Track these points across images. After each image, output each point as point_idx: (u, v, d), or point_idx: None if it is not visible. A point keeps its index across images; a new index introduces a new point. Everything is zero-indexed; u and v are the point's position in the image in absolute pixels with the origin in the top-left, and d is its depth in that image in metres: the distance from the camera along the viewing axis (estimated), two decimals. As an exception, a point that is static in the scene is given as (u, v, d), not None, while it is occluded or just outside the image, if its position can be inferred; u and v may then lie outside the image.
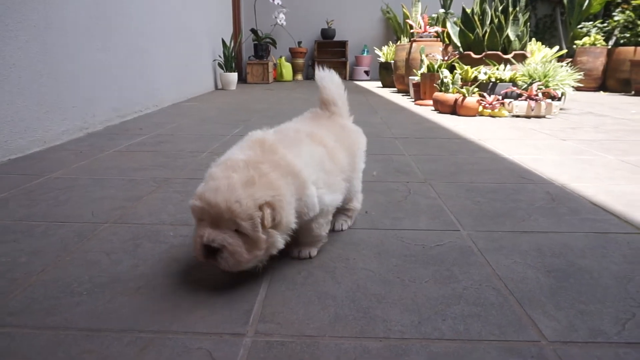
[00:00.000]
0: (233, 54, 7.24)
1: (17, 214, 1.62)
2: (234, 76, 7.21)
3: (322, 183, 1.19)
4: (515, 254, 1.30)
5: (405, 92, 6.60)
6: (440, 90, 4.54)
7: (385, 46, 7.98)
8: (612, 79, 7.15)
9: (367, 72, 10.01)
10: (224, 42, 7.15)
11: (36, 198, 1.80)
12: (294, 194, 1.09)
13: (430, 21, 6.64)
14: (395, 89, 7.21)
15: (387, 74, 7.80)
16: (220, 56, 7.22)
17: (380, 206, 1.72)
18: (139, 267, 1.23)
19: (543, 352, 0.88)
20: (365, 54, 10.02)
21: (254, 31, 8.69)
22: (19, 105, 2.53)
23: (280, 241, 1.08)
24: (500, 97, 4.24)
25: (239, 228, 1.01)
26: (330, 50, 10.10)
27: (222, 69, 7.16)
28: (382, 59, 7.91)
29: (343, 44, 9.98)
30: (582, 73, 4.65)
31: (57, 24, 2.89)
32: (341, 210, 1.45)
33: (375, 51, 8.32)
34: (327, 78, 1.49)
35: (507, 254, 1.31)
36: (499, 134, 3.32)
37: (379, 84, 8.47)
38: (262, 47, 8.70)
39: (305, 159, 1.17)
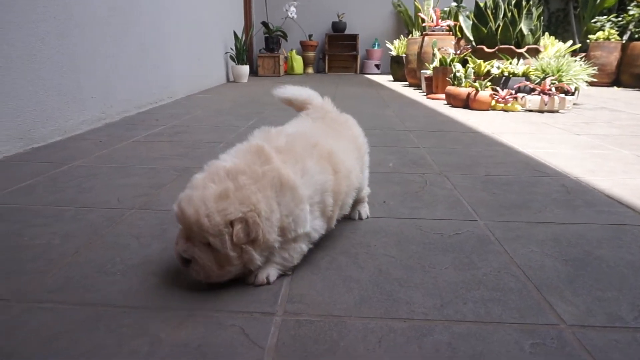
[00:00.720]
0: (245, 47, 7.27)
1: (45, 200, 1.67)
2: (245, 69, 7.24)
3: (318, 208, 1.13)
4: (532, 243, 1.33)
5: (417, 85, 6.60)
6: (453, 84, 4.54)
7: (397, 40, 7.97)
8: (626, 74, 7.08)
9: (377, 66, 9.99)
10: (235, 34, 7.18)
11: (62, 185, 1.85)
12: (277, 209, 1.03)
13: (442, 15, 6.61)
14: (406, 82, 7.20)
15: (398, 67, 7.79)
16: (232, 49, 7.25)
17: (398, 196, 1.75)
18: (167, 250, 1.27)
19: (562, 334, 0.91)
20: (376, 48, 10.00)
21: (265, 24, 8.71)
22: (40, 95, 2.58)
23: (257, 258, 1.03)
24: (513, 92, 4.24)
25: (208, 241, 0.98)
26: (340, 43, 10.09)
27: (234, 61, 7.19)
28: (394, 53, 7.89)
29: (354, 37, 9.96)
30: (596, 68, 4.63)
31: (76, 17, 2.94)
32: (356, 201, 1.46)
33: (387, 45, 8.31)
34: (281, 91, 1.50)
35: (524, 243, 1.34)
36: (513, 127, 3.33)
37: (390, 77, 8.46)
38: (273, 40, 8.72)
39: (308, 179, 1.10)
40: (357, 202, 1.49)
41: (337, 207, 1.22)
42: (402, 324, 0.94)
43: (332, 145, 1.23)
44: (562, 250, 1.29)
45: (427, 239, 1.36)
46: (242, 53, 7.18)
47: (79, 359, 0.82)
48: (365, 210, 1.53)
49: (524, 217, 1.55)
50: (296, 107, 1.54)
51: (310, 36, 9.90)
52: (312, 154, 1.15)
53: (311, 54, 9.90)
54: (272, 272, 1.09)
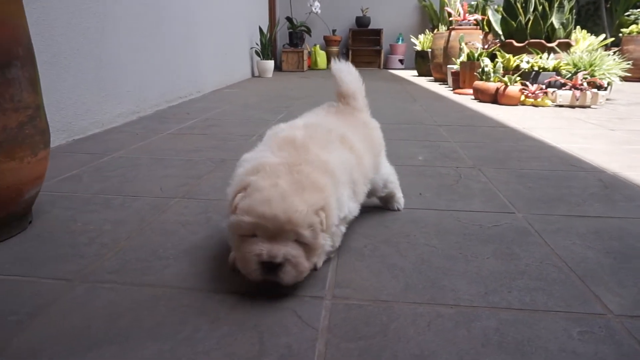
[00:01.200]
0: (270, 42, 7.32)
1: (92, 188, 1.74)
2: (270, 64, 7.30)
3: (350, 190, 1.14)
4: (573, 236, 1.34)
5: (443, 81, 6.55)
6: (481, 79, 4.50)
7: (422, 34, 7.90)
8: (660, 69, 6.87)
9: (401, 61, 9.93)
10: (261, 30, 7.24)
11: (106, 174, 1.92)
12: (334, 192, 1.05)
13: (469, 9, 6.53)
14: (431, 77, 7.15)
15: (423, 62, 7.74)
16: (257, 44, 7.32)
17: (433, 189, 1.77)
18: (213, 237, 1.32)
19: (610, 324, 0.92)
20: (400, 43, 9.94)
21: (289, 19, 8.75)
22: (81, 89, 2.68)
23: (329, 244, 1.05)
24: (543, 87, 4.17)
25: (299, 238, 0.96)
26: (364, 38, 10.07)
27: (259, 56, 7.26)
28: (419, 48, 7.84)
29: (378, 32, 9.93)
30: (630, 62, 4.51)
31: (113, 12, 3.03)
32: (385, 197, 1.50)
33: (412, 39, 8.25)
34: (345, 70, 1.44)
35: (564, 235, 1.34)
36: (544, 123, 3.29)
37: (414, 72, 8.41)
38: (297, 35, 8.76)
39: (337, 162, 1.11)
40: (389, 196, 1.52)
41: (364, 187, 1.24)
42: (449, 310, 0.96)
43: (344, 129, 1.26)
44: (604, 243, 1.29)
45: (467, 230, 1.38)
46: (267, 48, 7.24)
47: (145, 334, 0.88)
48: (400, 202, 1.55)
49: (562, 210, 1.55)
50: (340, 94, 1.46)
51: (334, 31, 9.91)
52: (331, 139, 1.17)
53: (335, 48, 9.91)
54: (319, 261, 1.12)
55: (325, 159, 1.07)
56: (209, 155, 2.29)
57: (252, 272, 0.96)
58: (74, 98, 2.61)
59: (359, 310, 0.96)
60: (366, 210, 1.53)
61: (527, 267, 1.15)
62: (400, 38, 9.94)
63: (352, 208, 1.15)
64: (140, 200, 1.62)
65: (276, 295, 1.01)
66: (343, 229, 1.16)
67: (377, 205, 1.57)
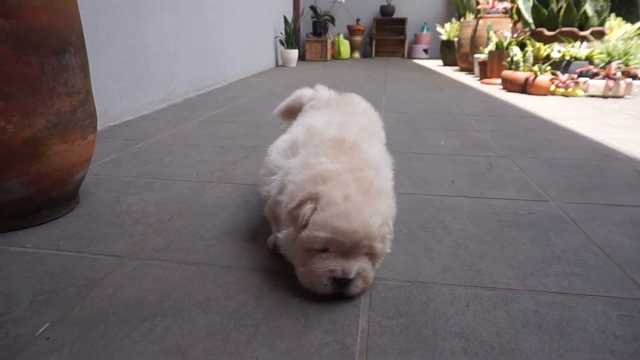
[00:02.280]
0: (294, 31, 7.33)
1: (132, 172, 1.81)
2: (294, 53, 7.31)
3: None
4: (610, 224, 1.33)
5: (469, 70, 6.45)
6: (510, 69, 4.43)
7: (448, 23, 7.78)
8: (697, 59, 6.61)
9: (426, 51, 9.81)
10: (285, 19, 7.25)
11: (144, 159, 1.99)
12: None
13: (498, -4, 6.39)
14: (457, 67, 7.05)
15: (448, 52, 7.63)
16: (281, 33, 7.34)
17: (465, 177, 1.77)
18: (252, 220, 1.37)
19: (649, 308, 0.93)
20: (424, 32, 9.81)
21: (313, 8, 8.72)
22: (116, 76, 2.75)
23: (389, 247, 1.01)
24: (575, 76, 4.08)
25: (371, 251, 0.93)
26: (388, 28, 9.97)
27: (284, 45, 7.28)
28: (444, 37, 7.73)
29: (402, 21, 9.81)
30: (666, 51, 4.36)
31: (146, 1, 3.09)
32: None
33: (437, 29, 8.13)
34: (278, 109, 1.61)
35: (600, 224, 1.34)
36: (575, 113, 3.23)
37: (439, 62, 8.30)
38: (321, 24, 8.73)
39: (382, 159, 1.10)
40: None
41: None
42: (487, 292, 0.98)
43: (364, 124, 1.26)
44: (641, 231, 1.29)
45: (501, 217, 1.39)
46: (292, 37, 7.25)
47: (196, 307, 0.93)
48: None
49: (597, 199, 1.54)
50: (295, 110, 1.54)
51: (357, 20, 9.84)
52: (368, 136, 1.16)
53: (358, 38, 9.85)
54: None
55: (376, 160, 1.05)
56: (241, 142, 2.33)
57: (321, 287, 0.92)
58: (109, 86, 2.69)
59: (399, 290, 0.99)
60: (398, 196, 1.56)
61: (563, 253, 1.16)
62: (425, 27, 9.80)
63: (394, 209, 1.14)
64: (178, 184, 1.68)
65: (317, 274, 1.05)
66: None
67: (409, 192, 1.60)
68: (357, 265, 0.91)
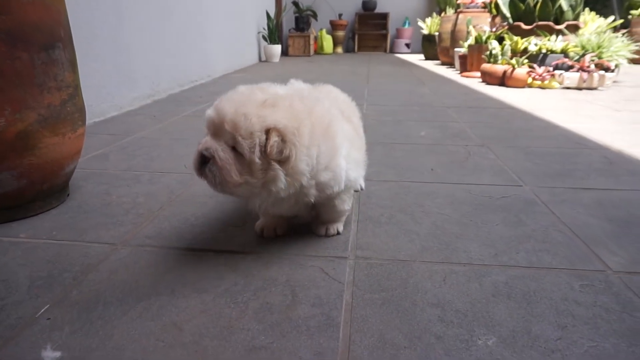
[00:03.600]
0: (276, 27, 7.35)
1: (120, 166, 1.84)
2: (277, 48, 7.33)
3: (351, 159, 1.11)
4: (578, 206, 1.42)
5: (450, 64, 6.57)
6: (489, 62, 4.54)
7: (429, 18, 7.89)
8: (668, 51, 6.84)
9: (408, 45, 9.91)
10: (268, 14, 7.26)
11: (131, 153, 2.02)
12: (315, 145, 0.99)
13: (477, -9, 6.51)
14: (438, 61, 7.16)
15: (430, 46, 7.74)
16: (264, 28, 7.35)
17: (444, 165, 1.85)
18: (241, 207, 1.41)
19: (609, 278, 1.01)
20: (406, 27, 9.91)
21: (295, 3, 8.75)
22: (101, 73, 2.76)
23: (282, 181, 0.96)
24: (551, 69, 4.21)
25: (236, 145, 0.93)
26: (371, 22, 10.05)
27: (266, 41, 7.29)
28: (425, 31, 7.83)
29: (384, 16, 9.90)
30: (638, 44, 4.53)
31: (130, -3, 3.09)
32: None
33: (419, 23, 8.23)
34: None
35: (569, 205, 1.43)
36: (551, 104, 3.34)
37: (421, 56, 8.41)
38: (303, 19, 8.76)
39: (338, 133, 1.07)
40: None
41: (362, 146, 1.25)
42: (462, 267, 1.05)
43: (348, 110, 1.27)
44: (606, 212, 1.38)
45: (477, 200, 1.46)
46: (275, 33, 7.26)
47: (189, 288, 0.98)
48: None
49: (568, 184, 1.63)
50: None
51: (340, 15, 9.89)
52: (337, 115, 1.12)
53: (341, 33, 9.90)
54: (340, 225, 1.23)
55: (328, 120, 1.04)
56: (227, 135, 2.37)
57: (193, 162, 0.99)
58: (95, 82, 2.69)
59: (380, 268, 1.05)
60: (380, 184, 1.63)
61: (533, 232, 1.24)
62: (407, 22, 9.91)
63: (354, 176, 1.13)
64: (167, 176, 1.72)
65: (303, 255, 1.11)
66: (350, 195, 1.18)
67: (391, 179, 1.66)
68: (215, 147, 0.94)
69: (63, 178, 1.40)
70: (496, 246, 1.16)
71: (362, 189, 1.55)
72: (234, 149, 0.94)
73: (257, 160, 0.93)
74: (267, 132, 0.92)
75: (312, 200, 1.06)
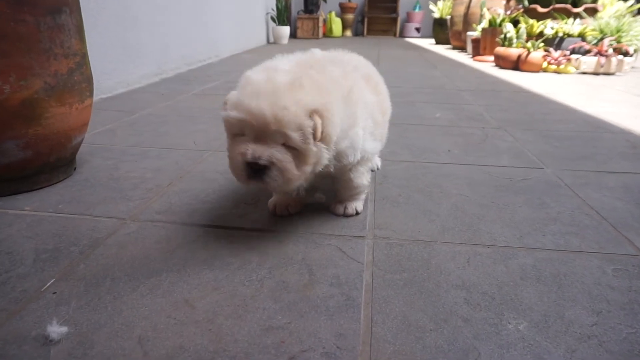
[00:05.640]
0: (285, 8, 7.22)
1: (128, 141, 1.79)
2: (286, 30, 7.21)
3: (369, 131, 1.06)
4: (603, 189, 1.36)
5: (462, 48, 6.43)
6: (503, 45, 4.43)
7: (440, 1, 7.72)
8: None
9: (418, 29, 9.74)
10: (277, -6, 7.13)
11: (139, 129, 1.97)
12: (343, 110, 0.95)
13: (491, -27, 6.34)
14: (450, 45, 7.02)
15: (441, 30, 7.59)
16: (272, 9, 7.22)
17: (461, 146, 1.79)
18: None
19: (642, 263, 0.96)
20: (417, 10, 9.72)
21: (305, -16, 8.58)
22: (107, 47, 2.70)
23: (326, 157, 0.94)
24: (567, 53, 4.10)
25: (287, 141, 0.87)
26: (380, 5, 9.86)
27: (275, 22, 7.17)
28: (437, 15, 7.67)
29: (394, -1, 9.70)
30: (658, 29, 4.39)
31: (137, -30, 3.01)
32: None
33: (430, 6, 8.06)
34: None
35: (594, 188, 1.37)
36: (568, 89, 3.25)
37: (432, 41, 8.26)
38: (312, 1, 8.60)
39: (359, 102, 1.03)
40: None
41: (384, 120, 1.21)
42: (486, 249, 1.00)
43: (376, 78, 1.21)
44: (634, 195, 1.32)
45: (497, 182, 1.41)
46: (283, 14, 7.14)
47: (201, 264, 0.93)
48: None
49: (590, 167, 1.57)
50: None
51: (349, -3, 9.70)
52: (359, 81, 1.08)
53: (350, 16, 9.73)
54: (359, 204, 1.17)
55: (348, 84, 0.99)
56: (236, 114, 2.31)
57: (238, 173, 0.90)
58: (101, 57, 2.63)
59: (400, 248, 1.01)
60: (396, 164, 1.57)
61: (559, 214, 1.18)
62: (418, 5, 9.71)
63: (371, 147, 1.09)
64: (175, 152, 1.67)
65: (319, 234, 1.06)
66: (367, 168, 1.14)
67: (407, 160, 1.61)
68: (269, 152, 0.86)
69: (70, 150, 1.35)
70: (520, 228, 1.10)
71: (378, 169, 1.50)
72: (284, 144, 0.88)
73: (313, 148, 0.89)
74: (310, 115, 0.87)
75: (332, 170, 1.01)
